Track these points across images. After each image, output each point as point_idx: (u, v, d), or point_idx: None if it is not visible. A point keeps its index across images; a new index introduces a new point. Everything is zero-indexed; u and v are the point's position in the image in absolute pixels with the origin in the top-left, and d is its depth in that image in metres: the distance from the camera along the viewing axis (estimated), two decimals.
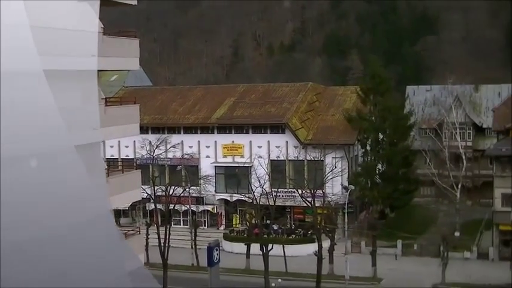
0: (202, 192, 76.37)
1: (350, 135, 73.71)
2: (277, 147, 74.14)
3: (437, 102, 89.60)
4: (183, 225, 78.07)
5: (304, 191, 64.11)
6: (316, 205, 62.56)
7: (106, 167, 33.43)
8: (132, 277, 26.55)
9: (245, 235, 70.48)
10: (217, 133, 77.57)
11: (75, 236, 23.94)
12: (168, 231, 62.94)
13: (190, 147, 77.52)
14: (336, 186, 70.61)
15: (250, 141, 75.81)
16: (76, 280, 23.33)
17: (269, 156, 74.72)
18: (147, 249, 56.66)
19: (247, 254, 65.26)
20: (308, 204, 63.37)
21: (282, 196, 70.74)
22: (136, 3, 34.53)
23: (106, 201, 27.98)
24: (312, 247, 62.79)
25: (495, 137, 76.03)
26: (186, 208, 75.28)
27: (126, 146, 78.16)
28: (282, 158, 74.23)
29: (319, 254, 57.87)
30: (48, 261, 22.66)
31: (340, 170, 70.01)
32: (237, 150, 76.68)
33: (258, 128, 76.12)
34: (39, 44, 22.95)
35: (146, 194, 62.98)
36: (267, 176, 69.49)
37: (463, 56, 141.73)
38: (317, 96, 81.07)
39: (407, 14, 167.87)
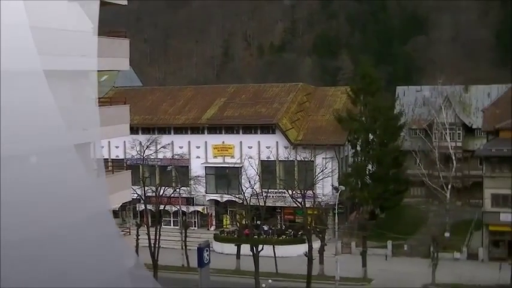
0: (193, 193, 76.26)
1: (340, 136, 73.74)
2: (268, 147, 74.05)
3: (427, 103, 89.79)
4: (174, 225, 77.89)
5: (294, 192, 64.03)
6: (307, 206, 62.50)
7: (95, 167, 33.33)
8: (132, 277, 26.55)
9: (235, 236, 70.42)
10: (208, 133, 77.48)
11: (74, 235, 23.92)
12: (158, 232, 62.83)
13: (181, 147, 77.39)
14: (326, 187, 70.55)
15: (241, 142, 75.74)
16: (76, 280, 23.31)
17: (259, 157, 74.68)
18: (137, 250, 56.47)
19: (238, 255, 65.21)
20: (298, 204, 63.28)
21: (273, 197, 70.80)
22: (126, 3, 34.45)
23: (104, 200, 27.98)
24: (303, 248, 62.75)
25: (485, 138, 76.17)
26: (176, 209, 75.05)
27: (116, 147, 77.88)
28: (272, 159, 74.14)
29: (309, 255, 57.81)
30: (48, 260, 22.64)
31: (330, 170, 69.97)
32: (227, 150, 76.60)
33: (249, 129, 76.06)
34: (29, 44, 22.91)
35: (136, 195, 62.67)
36: (258, 177, 69.38)
37: (453, 56, 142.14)
38: (307, 96, 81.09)
39: (397, 14, 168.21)
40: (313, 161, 70.37)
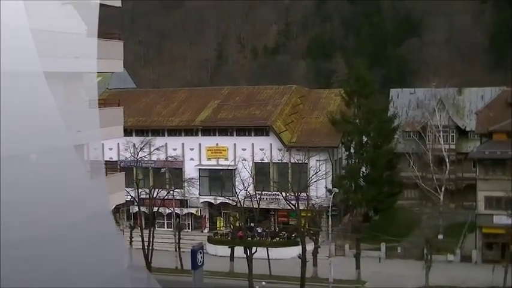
0: (186, 195, 76.28)
1: (334, 138, 73.79)
2: (262, 149, 74.08)
3: (421, 105, 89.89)
4: (167, 228, 77.85)
5: (288, 194, 64.08)
6: (300, 208, 62.50)
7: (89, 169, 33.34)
8: (132, 278, 26.55)
9: (229, 238, 70.40)
10: (202, 135, 77.44)
11: (74, 235, 23.91)
12: (151, 234, 62.81)
13: (175, 149, 77.37)
14: (320, 189, 70.53)
15: (235, 144, 75.72)
16: (76, 280, 23.30)
17: (253, 159, 74.72)
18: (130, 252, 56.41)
19: (231, 257, 65.19)
20: (292, 207, 63.30)
21: (266, 199, 70.84)
22: (120, 5, 34.44)
23: (104, 200, 27.97)
24: (296, 250, 62.79)
25: (478, 140, 76.19)
26: (170, 211, 75.09)
27: (110, 149, 77.67)
28: (266, 161, 74.24)
29: (303, 257, 57.83)
30: (48, 260, 22.62)
31: (324, 172, 69.98)
32: (221, 152, 76.57)
33: (242, 131, 76.06)
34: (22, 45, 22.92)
35: (130, 197, 62.74)
36: (251, 179, 69.48)
37: (446, 59, 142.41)
38: (301, 99, 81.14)
39: (391, 17, 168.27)
40: (306, 163, 70.36)
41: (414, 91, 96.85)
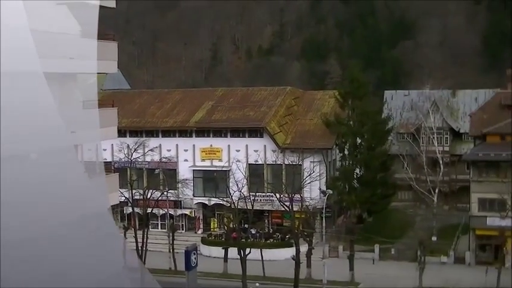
0: (180, 196, 76.24)
1: (328, 140, 73.80)
2: (256, 151, 74.04)
3: (415, 107, 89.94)
4: (161, 229, 77.79)
5: (282, 195, 64.09)
6: (294, 209, 62.52)
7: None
8: (131, 278, 26.58)
9: (223, 239, 70.32)
10: (196, 137, 77.36)
11: (74, 235, 23.93)
12: (145, 235, 62.74)
13: (169, 150, 77.28)
14: (313, 191, 70.54)
15: (229, 145, 75.67)
16: (76, 279, 23.31)
17: (247, 160, 74.68)
18: None
19: (225, 258, 65.15)
20: (286, 208, 63.31)
21: (260, 200, 70.80)
22: (115, 6, 34.41)
23: (103, 199, 27.99)
24: (290, 251, 62.85)
25: (472, 142, 76.37)
26: (163, 212, 75.03)
27: (104, 149, 77.56)
28: (260, 162, 74.24)
29: (297, 258, 57.84)
30: (47, 260, 22.64)
31: (318, 174, 70.00)
32: (215, 154, 76.51)
33: (237, 132, 76.02)
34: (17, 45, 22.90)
35: (124, 198, 62.74)
36: (245, 180, 69.50)
37: (440, 61, 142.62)
38: (295, 100, 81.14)
39: (385, 19, 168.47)
40: (301, 164, 70.37)
41: (408, 93, 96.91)
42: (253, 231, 70.35)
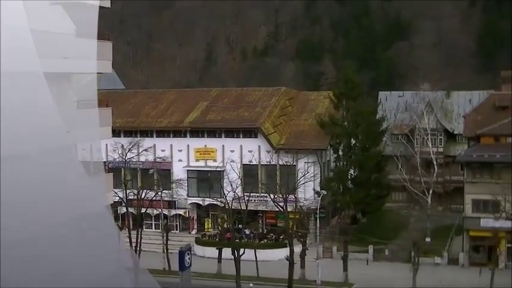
0: (175, 196, 76.20)
1: (322, 140, 73.84)
2: (250, 151, 74.08)
3: (409, 108, 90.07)
4: (155, 229, 77.72)
5: (276, 196, 64.08)
6: (288, 210, 62.54)
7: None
8: (131, 278, 26.57)
9: (217, 239, 70.27)
10: (190, 137, 77.32)
11: (73, 234, 23.93)
12: (139, 235, 62.62)
13: (163, 150, 77.21)
14: (308, 191, 70.60)
15: (223, 146, 75.65)
16: (75, 279, 23.30)
17: (241, 161, 74.64)
18: None
19: (219, 259, 65.14)
20: (280, 209, 63.33)
21: (254, 201, 70.69)
22: (109, 6, 34.38)
23: (102, 199, 27.99)
24: (284, 252, 62.91)
25: (466, 143, 76.60)
26: (158, 212, 74.94)
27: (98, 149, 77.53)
28: (255, 163, 74.25)
29: (290, 259, 57.90)
30: (47, 260, 22.64)
31: (312, 175, 70.00)
32: (209, 154, 76.49)
33: (231, 132, 76.01)
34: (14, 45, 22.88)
35: (118, 198, 62.66)
36: (239, 181, 69.47)
37: (435, 62, 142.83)
38: (290, 101, 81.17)
39: (380, 20, 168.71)
40: (295, 165, 70.40)
41: (403, 94, 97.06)
42: (247, 231, 70.32)
